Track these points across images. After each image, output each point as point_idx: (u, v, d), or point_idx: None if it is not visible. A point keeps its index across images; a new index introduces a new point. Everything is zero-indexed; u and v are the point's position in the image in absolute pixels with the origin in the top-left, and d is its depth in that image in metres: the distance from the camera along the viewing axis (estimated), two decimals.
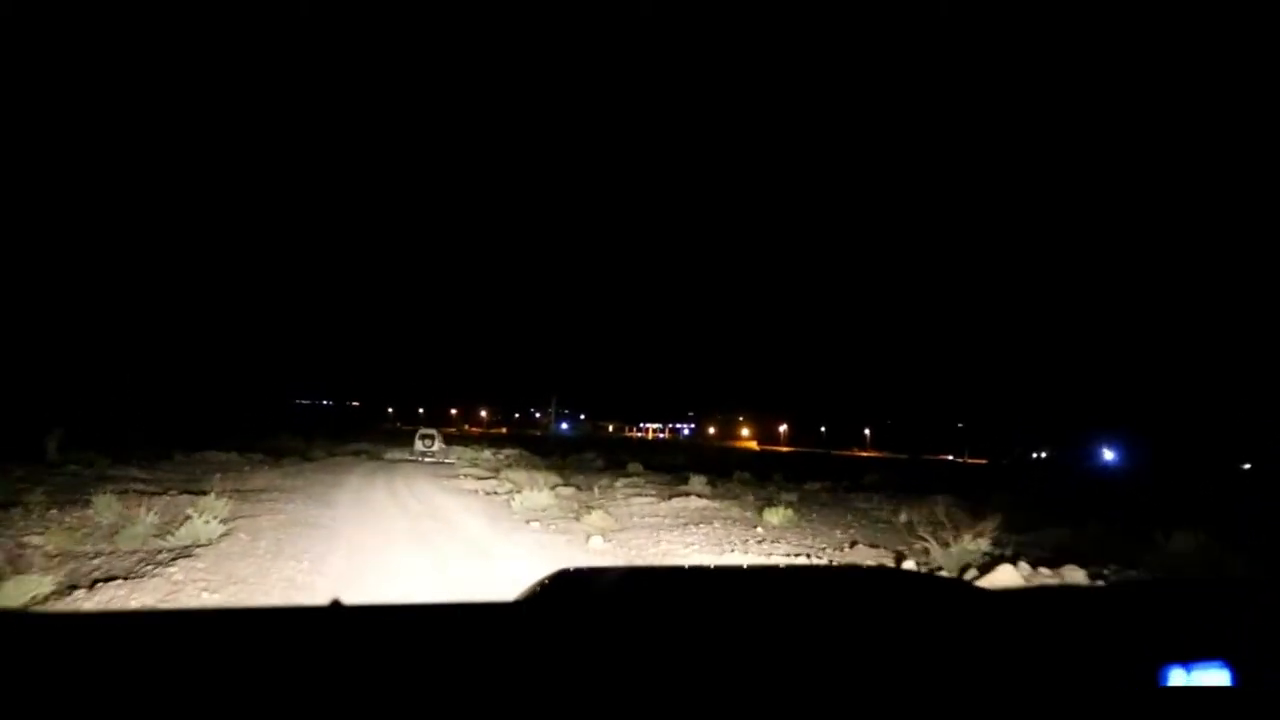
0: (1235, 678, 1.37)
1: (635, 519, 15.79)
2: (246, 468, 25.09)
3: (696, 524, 14.75)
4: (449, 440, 45.76)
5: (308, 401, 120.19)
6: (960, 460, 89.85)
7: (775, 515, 15.26)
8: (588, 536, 13.12)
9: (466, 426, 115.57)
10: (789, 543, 13.01)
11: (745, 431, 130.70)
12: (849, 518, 17.33)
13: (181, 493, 15.91)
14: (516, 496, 18.24)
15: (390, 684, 1.25)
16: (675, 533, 13.71)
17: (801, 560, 11.25)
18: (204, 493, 14.80)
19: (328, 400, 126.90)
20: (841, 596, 2.19)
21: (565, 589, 2.12)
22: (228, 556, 10.11)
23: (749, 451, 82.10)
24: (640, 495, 20.00)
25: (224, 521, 12.48)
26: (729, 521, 15.24)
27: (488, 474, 27.63)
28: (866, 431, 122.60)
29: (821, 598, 2.15)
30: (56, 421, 26.70)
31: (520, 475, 24.70)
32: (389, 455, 37.61)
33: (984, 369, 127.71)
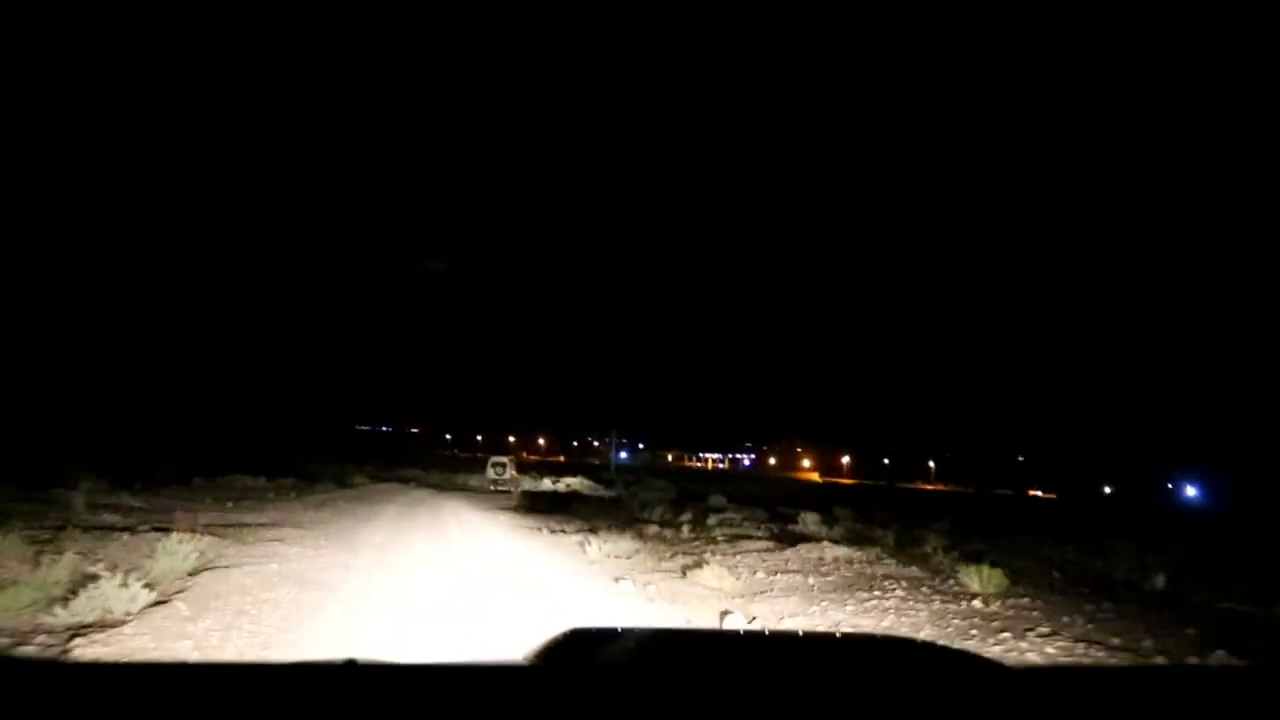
0: None
1: (762, 575, 11.23)
2: (270, 495, 21.20)
3: (862, 589, 10.10)
4: None
5: (367, 428, 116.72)
6: (1030, 495, 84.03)
7: (977, 577, 10.11)
8: (721, 614, 8.27)
9: (525, 454, 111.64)
10: (1062, 632, 7.93)
11: (806, 462, 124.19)
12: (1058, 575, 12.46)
13: (155, 529, 11.68)
14: (592, 540, 13.90)
15: None
16: (843, 604, 9.19)
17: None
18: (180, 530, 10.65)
19: (387, 427, 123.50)
20: (868, 668, 2.08)
21: (576, 650, 2.04)
22: (124, 655, 5.79)
23: (814, 484, 78.44)
24: (746, 538, 15.45)
25: (191, 574, 8.69)
26: (910, 584, 10.49)
27: (550, 507, 23.30)
28: (931, 464, 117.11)
29: (848, 670, 2.05)
30: (81, 439, 25.04)
31: (590, 511, 20.45)
32: (438, 483, 33.89)
33: (1043, 400, 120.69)
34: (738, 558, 12.77)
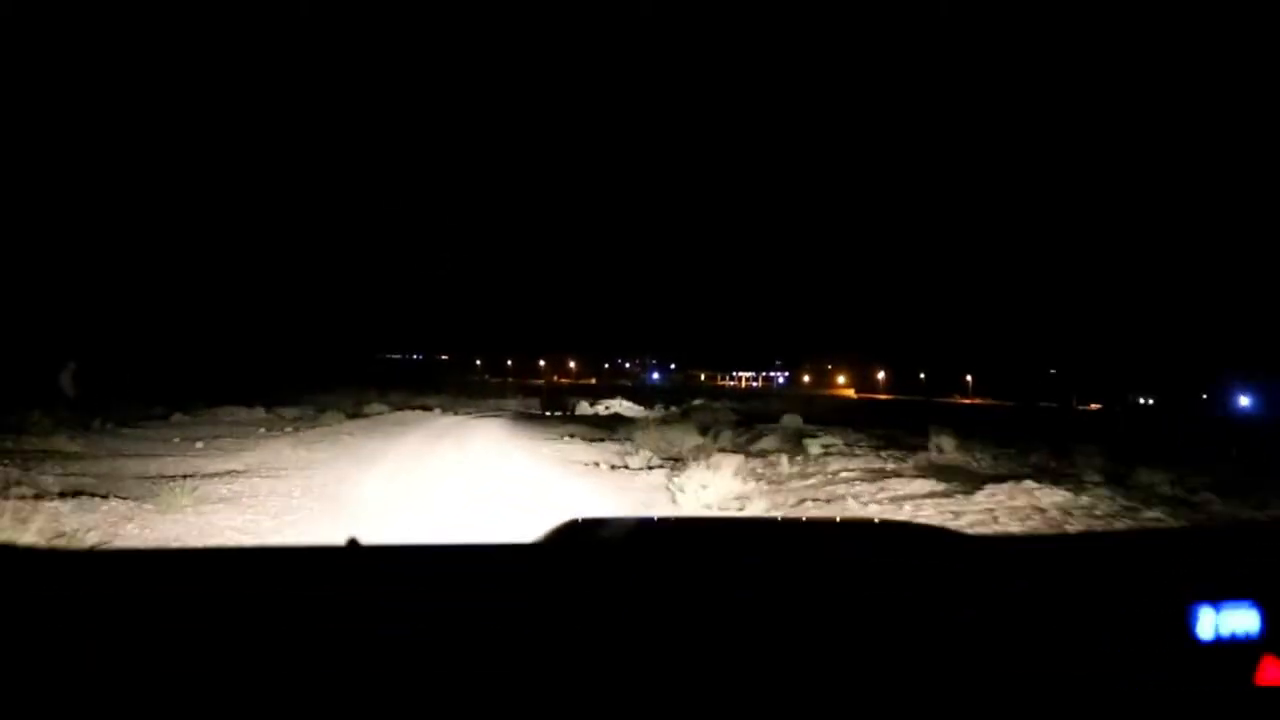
0: (1264, 617, 1.33)
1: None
2: (262, 430, 16.97)
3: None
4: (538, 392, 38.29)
5: (397, 356, 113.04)
6: (1074, 408, 79.38)
7: None
8: None
9: (555, 377, 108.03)
10: None
11: (840, 379, 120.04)
12: None
13: (42, 495, 7.59)
14: (677, 479, 9.74)
15: (409, 617, 1.26)
16: None
17: None
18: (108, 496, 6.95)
19: (416, 354, 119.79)
20: (854, 548, 2.10)
21: (579, 536, 2.11)
22: None
23: (853, 399, 75.18)
24: (882, 474, 11.14)
25: None
26: None
27: (599, 434, 19.22)
28: (968, 378, 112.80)
29: (833, 549, 2.10)
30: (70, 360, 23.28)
31: (653, 438, 16.19)
32: (467, 411, 29.88)
33: (1076, 309, 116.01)
34: (907, 506, 8.47)
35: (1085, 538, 3.94)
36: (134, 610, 1.26)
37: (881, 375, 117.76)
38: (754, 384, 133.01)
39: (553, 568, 1.71)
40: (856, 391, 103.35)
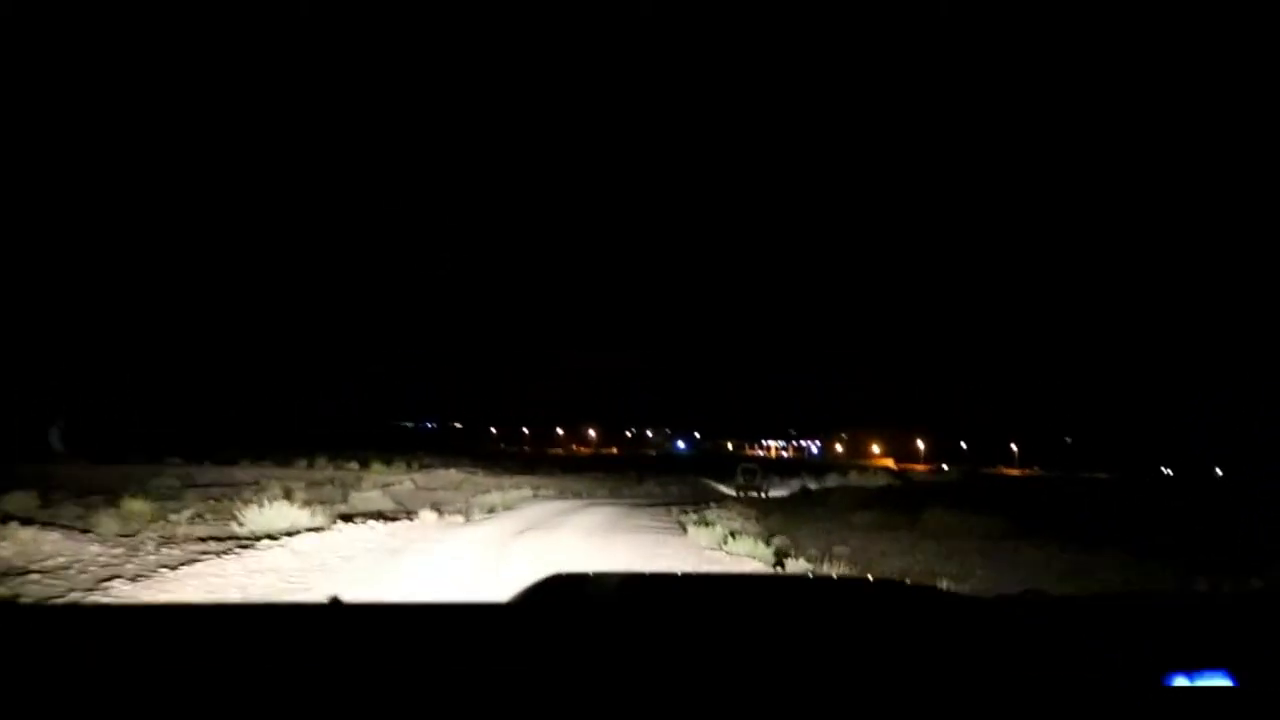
0: (1237, 685, 1.35)
1: None
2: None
3: None
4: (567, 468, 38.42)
5: (410, 424, 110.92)
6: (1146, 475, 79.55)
7: None
8: None
9: (575, 446, 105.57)
10: None
11: (875, 448, 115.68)
12: None
13: None
14: None
15: (385, 676, 1.27)
16: None
17: None
18: None
19: (429, 422, 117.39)
20: (836, 607, 2.14)
21: (557, 593, 2.12)
22: None
23: (893, 471, 72.75)
24: None
25: None
26: None
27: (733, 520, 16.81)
28: (1014, 447, 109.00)
29: (816, 607, 2.13)
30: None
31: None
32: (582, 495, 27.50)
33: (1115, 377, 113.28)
34: None
35: (1069, 601, 3.28)
36: (109, 666, 1.29)
37: (920, 444, 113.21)
38: (783, 453, 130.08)
39: (527, 627, 1.74)
40: (896, 462, 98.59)
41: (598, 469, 42.54)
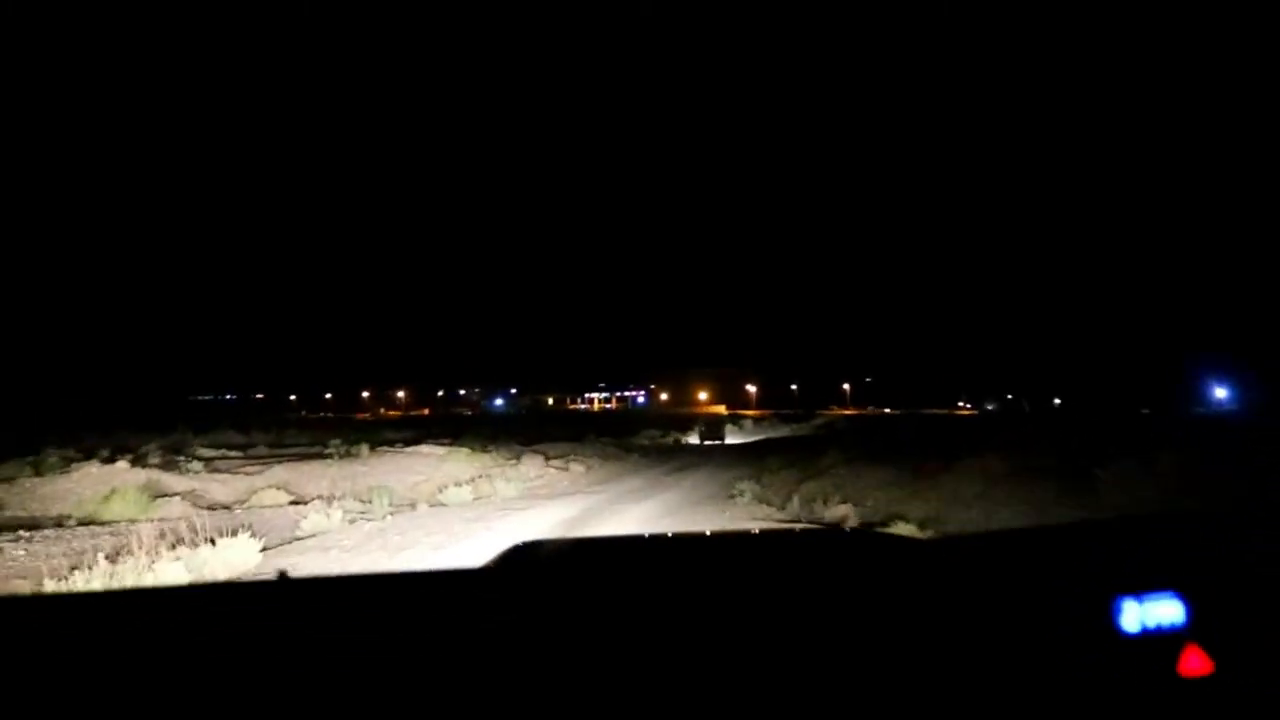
0: (1187, 607, 1.39)
1: None
2: None
3: None
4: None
5: (208, 396, 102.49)
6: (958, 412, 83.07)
7: None
8: None
9: (382, 410, 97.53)
10: None
11: (703, 395, 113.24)
12: None
13: None
14: None
15: (360, 646, 1.31)
16: None
17: None
18: None
19: (229, 394, 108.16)
20: (791, 557, 2.24)
21: (525, 558, 2.23)
22: None
23: (734, 416, 70.69)
24: None
25: None
26: None
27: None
28: (846, 387, 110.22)
29: (771, 558, 2.23)
30: None
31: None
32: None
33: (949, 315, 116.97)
34: None
35: (1021, 534, 4.07)
36: (62, 651, 1.31)
37: (752, 389, 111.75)
38: (607, 406, 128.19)
39: (498, 591, 1.79)
40: (728, 408, 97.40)
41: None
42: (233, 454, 21.77)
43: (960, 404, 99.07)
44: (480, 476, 17.47)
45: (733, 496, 14.93)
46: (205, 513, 11.69)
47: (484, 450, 23.04)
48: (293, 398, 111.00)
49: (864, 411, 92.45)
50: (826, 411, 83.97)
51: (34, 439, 23.16)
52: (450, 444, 24.04)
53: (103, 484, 14.10)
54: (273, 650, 1.29)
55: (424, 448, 22.83)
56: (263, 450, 23.90)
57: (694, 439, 42.53)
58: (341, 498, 13.76)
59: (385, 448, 23.36)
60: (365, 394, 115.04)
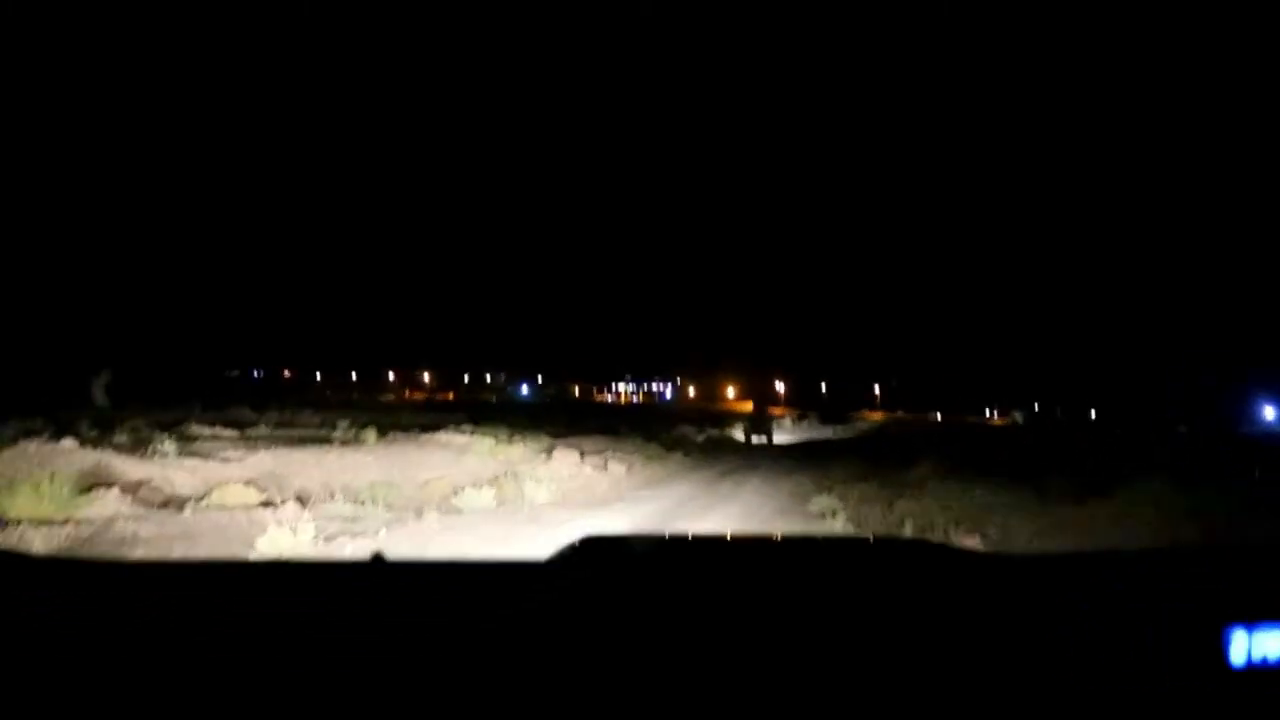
0: None
1: None
2: None
3: None
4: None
5: (236, 372, 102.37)
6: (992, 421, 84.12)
7: None
8: None
9: (408, 392, 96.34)
10: None
11: (731, 391, 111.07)
12: None
13: None
14: None
15: (419, 634, 1.32)
16: None
17: None
18: None
19: (256, 370, 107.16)
20: (865, 567, 2.16)
21: (592, 553, 2.19)
22: None
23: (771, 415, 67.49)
24: None
25: None
26: None
27: None
28: (876, 389, 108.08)
29: (843, 568, 2.13)
30: None
31: None
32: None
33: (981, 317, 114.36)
34: None
35: (1107, 555, 3.56)
36: (150, 620, 1.33)
37: (780, 387, 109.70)
38: (634, 398, 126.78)
39: (565, 586, 1.79)
40: (755, 405, 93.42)
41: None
42: (227, 433, 19.02)
43: (990, 412, 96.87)
44: (505, 474, 14.89)
45: (822, 516, 12.47)
46: (150, 511, 9.18)
47: (510, 441, 20.39)
48: (319, 376, 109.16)
49: (898, 415, 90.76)
50: (858, 414, 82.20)
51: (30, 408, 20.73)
52: (473, 431, 21.76)
53: (40, 466, 11.33)
54: (331, 640, 1.29)
55: (442, 435, 20.74)
56: (264, 431, 21.38)
57: (738, 435, 41.13)
58: (330, 498, 11.22)
59: (399, 432, 20.89)
60: (391, 375, 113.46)
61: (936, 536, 10.07)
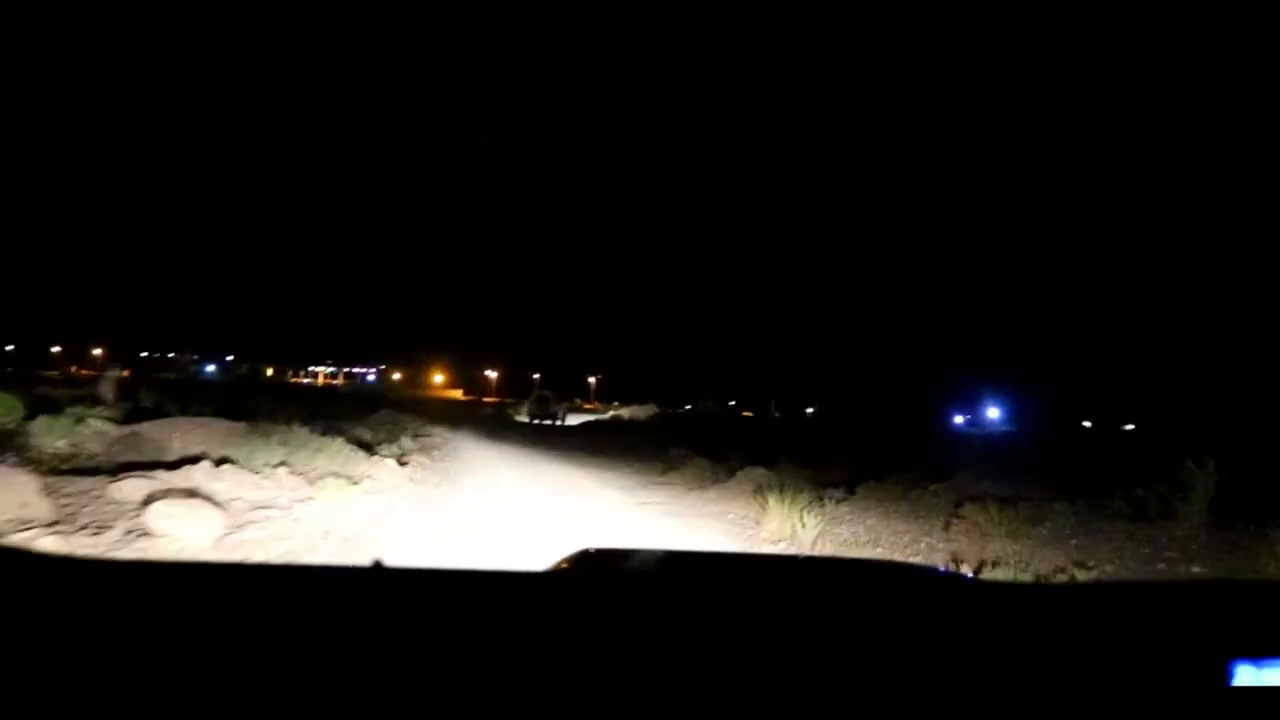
0: None
1: None
2: None
3: None
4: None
5: None
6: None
7: None
8: None
9: (74, 369, 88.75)
10: None
11: (439, 378, 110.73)
12: None
13: None
14: None
15: (416, 643, 1.33)
16: None
17: None
18: None
19: None
20: (862, 588, 2.25)
21: (590, 565, 2.34)
22: None
23: (463, 403, 75.90)
24: None
25: None
26: None
27: None
28: (591, 380, 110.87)
29: (836, 588, 2.24)
30: None
31: None
32: None
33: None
34: None
35: (1112, 586, 3.85)
36: (144, 623, 1.33)
37: (493, 374, 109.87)
38: (332, 381, 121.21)
39: (563, 596, 1.82)
40: (465, 393, 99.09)
41: None
42: None
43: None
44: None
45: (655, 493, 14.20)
46: None
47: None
48: None
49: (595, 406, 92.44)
50: (576, 404, 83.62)
51: None
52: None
53: None
54: (327, 647, 1.29)
55: None
56: None
57: (522, 418, 46.72)
58: None
59: None
60: (56, 348, 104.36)
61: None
